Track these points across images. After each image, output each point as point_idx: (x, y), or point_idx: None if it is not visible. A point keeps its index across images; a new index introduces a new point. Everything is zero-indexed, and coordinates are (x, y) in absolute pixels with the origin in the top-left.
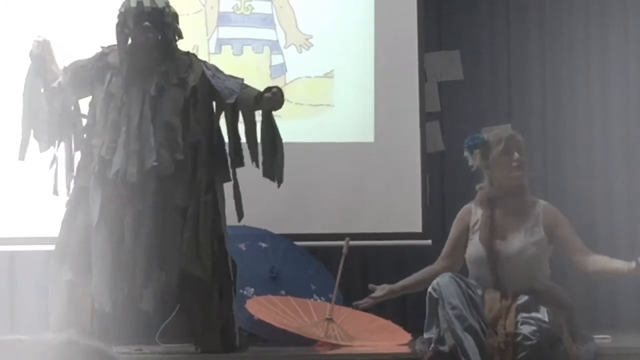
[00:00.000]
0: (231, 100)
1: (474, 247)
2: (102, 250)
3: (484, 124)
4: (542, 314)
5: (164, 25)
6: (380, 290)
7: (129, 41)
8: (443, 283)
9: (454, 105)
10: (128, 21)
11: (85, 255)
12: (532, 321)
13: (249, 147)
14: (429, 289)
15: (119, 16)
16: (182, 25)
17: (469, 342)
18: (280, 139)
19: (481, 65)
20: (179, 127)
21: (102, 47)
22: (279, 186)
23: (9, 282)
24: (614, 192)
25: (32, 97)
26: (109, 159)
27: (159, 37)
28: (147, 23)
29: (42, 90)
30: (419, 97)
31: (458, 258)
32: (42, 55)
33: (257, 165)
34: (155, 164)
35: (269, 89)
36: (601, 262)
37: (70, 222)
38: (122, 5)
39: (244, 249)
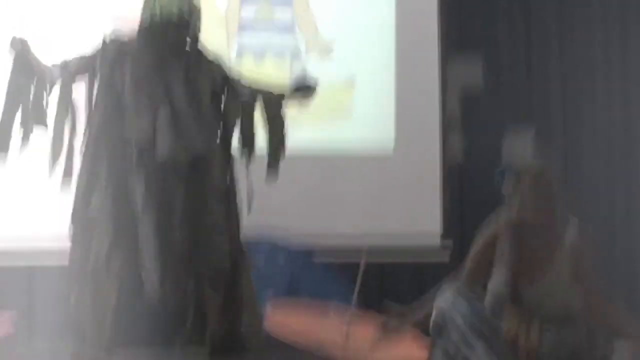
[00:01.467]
0: (245, 98)
1: (496, 284)
2: (151, 237)
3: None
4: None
5: (194, 24)
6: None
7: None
8: (446, 308)
9: (476, 114)
10: (155, 13)
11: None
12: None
13: (271, 146)
14: (433, 317)
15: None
16: (203, 31)
17: (482, 352)
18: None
19: (503, 70)
20: (213, 112)
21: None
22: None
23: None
24: (636, 196)
25: (16, 92)
26: (149, 147)
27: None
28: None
29: (32, 81)
30: (440, 105)
31: (483, 274)
32: (23, 52)
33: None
34: (202, 149)
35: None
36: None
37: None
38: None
39: (261, 263)
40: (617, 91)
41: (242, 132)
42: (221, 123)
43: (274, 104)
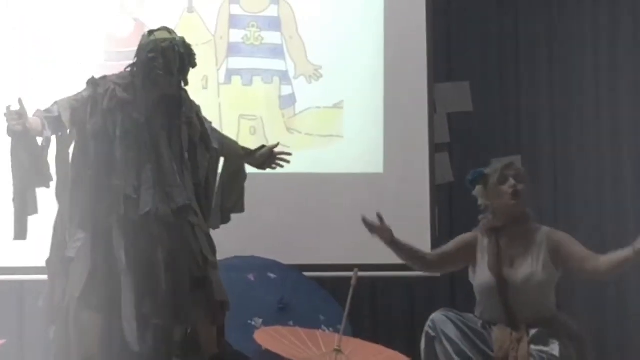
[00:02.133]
0: (216, 146)
1: (483, 275)
2: (131, 291)
3: (494, 155)
4: (553, 348)
5: (186, 69)
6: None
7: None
8: (438, 320)
9: (463, 137)
10: (156, 61)
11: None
12: (544, 356)
13: (229, 193)
14: (426, 328)
15: (141, 55)
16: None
17: None
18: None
19: (490, 97)
20: (189, 165)
21: (91, 80)
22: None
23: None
24: (624, 220)
25: (22, 169)
26: (135, 198)
27: (184, 77)
28: (174, 69)
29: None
30: (429, 128)
31: (443, 266)
32: (23, 130)
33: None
34: (188, 202)
35: (261, 148)
36: (610, 257)
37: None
38: (148, 46)
39: (252, 279)
40: (600, 113)
41: (206, 183)
42: (199, 175)
43: (236, 161)
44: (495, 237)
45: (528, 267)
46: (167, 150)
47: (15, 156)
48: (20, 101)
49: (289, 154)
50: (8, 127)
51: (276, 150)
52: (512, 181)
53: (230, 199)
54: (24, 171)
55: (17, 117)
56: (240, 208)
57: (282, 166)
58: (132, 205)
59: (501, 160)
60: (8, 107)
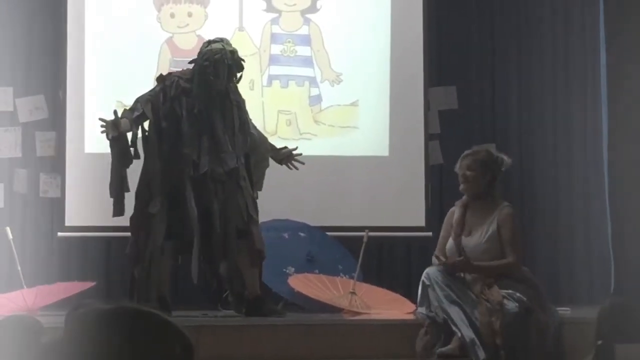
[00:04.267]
0: (254, 132)
1: (450, 242)
2: (198, 236)
3: (475, 143)
4: (516, 290)
5: (233, 74)
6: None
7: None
8: (432, 272)
9: (450, 129)
10: (209, 68)
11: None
12: (513, 295)
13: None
14: (422, 278)
15: (199, 60)
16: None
17: (455, 313)
18: None
19: (472, 97)
20: (240, 139)
21: (161, 76)
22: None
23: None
24: (573, 193)
25: (117, 162)
26: (197, 162)
27: (231, 79)
28: (222, 75)
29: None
30: (424, 121)
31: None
32: (118, 135)
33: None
34: (237, 165)
35: (284, 148)
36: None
37: (160, 214)
38: (205, 55)
39: (287, 237)
40: (561, 109)
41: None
42: (246, 147)
43: (263, 152)
44: (464, 210)
45: (477, 237)
46: (220, 125)
47: (114, 153)
48: (115, 113)
49: (302, 163)
50: (107, 134)
51: (295, 153)
52: (462, 169)
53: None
54: (120, 163)
55: (113, 127)
56: (259, 187)
57: (297, 168)
58: (195, 167)
59: (482, 147)
60: (102, 119)
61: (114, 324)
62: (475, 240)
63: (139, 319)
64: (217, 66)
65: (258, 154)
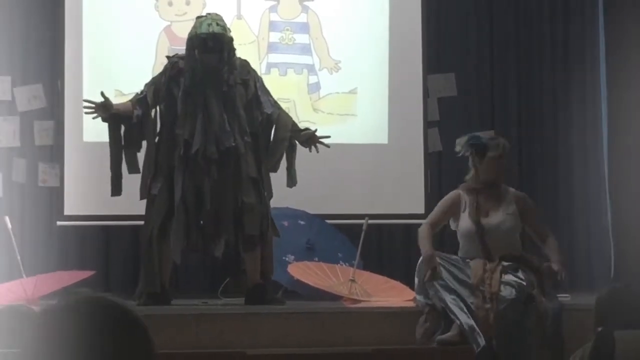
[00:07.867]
0: (268, 111)
1: (465, 224)
2: (182, 214)
3: (473, 130)
4: (519, 275)
5: (224, 45)
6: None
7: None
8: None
9: (449, 116)
10: (195, 46)
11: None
12: (513, 281)
13: (272, 155)
14: (419, 264)
15: (187, 41)
16: (240, 52)
17: (453, 302)
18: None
19: (470, 85)
20: (245, 117)
21: (167, 57)
22: (291, 186)
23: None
24: (573, 182)
25: (115, 143)
26: (190, 141)
27: (222, 56)
28: (210, 46)
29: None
30: (423, 108)
31: (438, 226)
32: (109, 116)
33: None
34: (233, 144)
35: (307, 129)
36: (548, 252)
37: (159, 195)
38: (190, 33)
39: (286, 225)
40: (560, 96)
41: (262, 135)
42: (252, 126)
43: (283, 132)
44: (475, 194)
45: (500, 216)
46: (216, 103)
47: (111, 135)
48: (102, 94)
49: (327, 146)
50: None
51: (317, 134)
52: (493, 160)
53: (271, 160)
54: (116, 144)
55: (102, 109)
56: (274, 168)
57: (317, 151)
58: (188, 147)
59: (484, 134)
60: (87, 101)
61: (71, 317)
62: (497, 219)
63: (96, 310)
64: (204, 46)
65: (276, 133)
